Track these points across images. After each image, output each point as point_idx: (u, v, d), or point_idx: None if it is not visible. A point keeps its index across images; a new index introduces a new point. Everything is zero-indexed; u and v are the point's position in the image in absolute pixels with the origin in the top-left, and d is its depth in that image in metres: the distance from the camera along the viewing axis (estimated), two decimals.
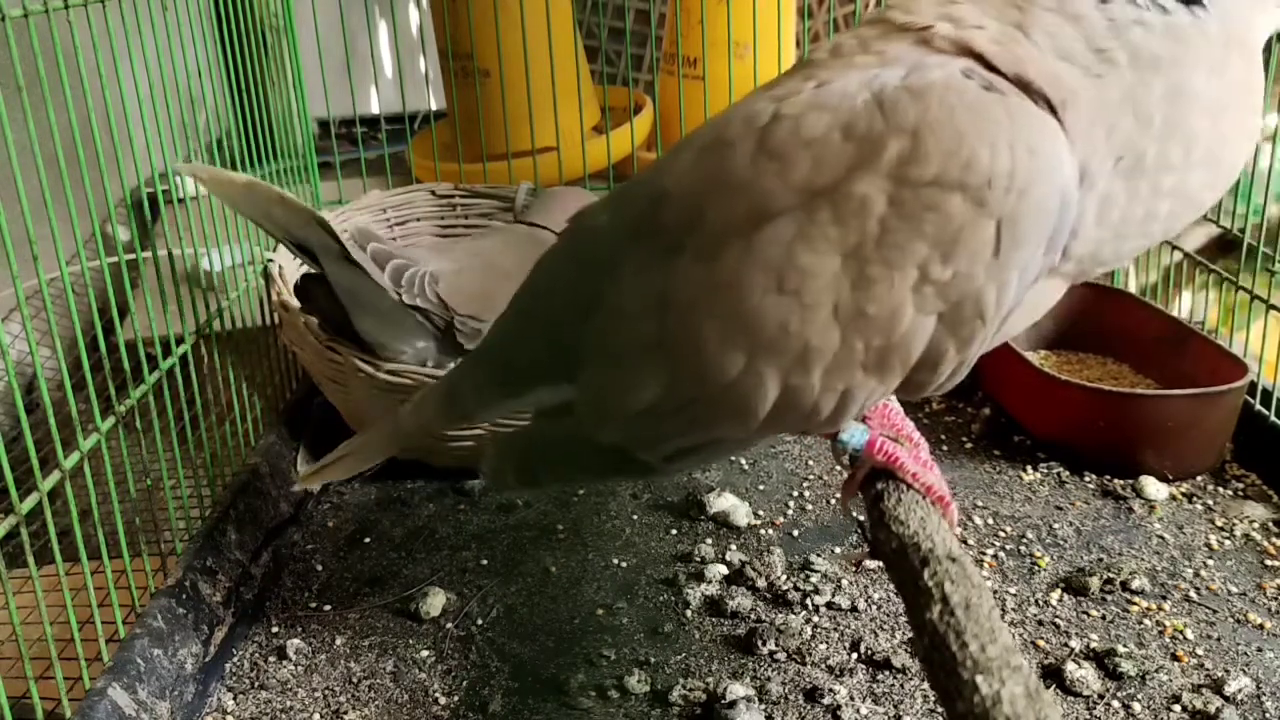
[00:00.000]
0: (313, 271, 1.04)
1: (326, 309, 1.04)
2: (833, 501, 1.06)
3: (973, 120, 0.52)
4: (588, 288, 0.63)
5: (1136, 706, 0.78)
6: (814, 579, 0.92)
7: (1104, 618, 0.87)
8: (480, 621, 0.90)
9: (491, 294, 1.05)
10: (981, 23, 0.56)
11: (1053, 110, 0.54)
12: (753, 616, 0.89)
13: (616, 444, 0.63)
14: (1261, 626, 0.86)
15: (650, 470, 0.65)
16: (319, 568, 0.99)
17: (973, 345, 0.56)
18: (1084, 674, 0.79)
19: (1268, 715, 0.77)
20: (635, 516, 1.05)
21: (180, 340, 0.95)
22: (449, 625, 0.90)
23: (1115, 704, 0.78)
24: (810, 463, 1.14)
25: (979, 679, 0.47)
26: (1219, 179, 0.57)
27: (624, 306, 0.61)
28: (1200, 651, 0.83)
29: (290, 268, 1.17)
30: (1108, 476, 1.08)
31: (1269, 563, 0.94)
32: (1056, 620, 0.87)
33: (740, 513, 1.02)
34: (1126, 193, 0.55)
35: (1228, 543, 0.97)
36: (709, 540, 0.99)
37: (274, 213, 0.96)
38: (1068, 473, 1.09)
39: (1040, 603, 0.90)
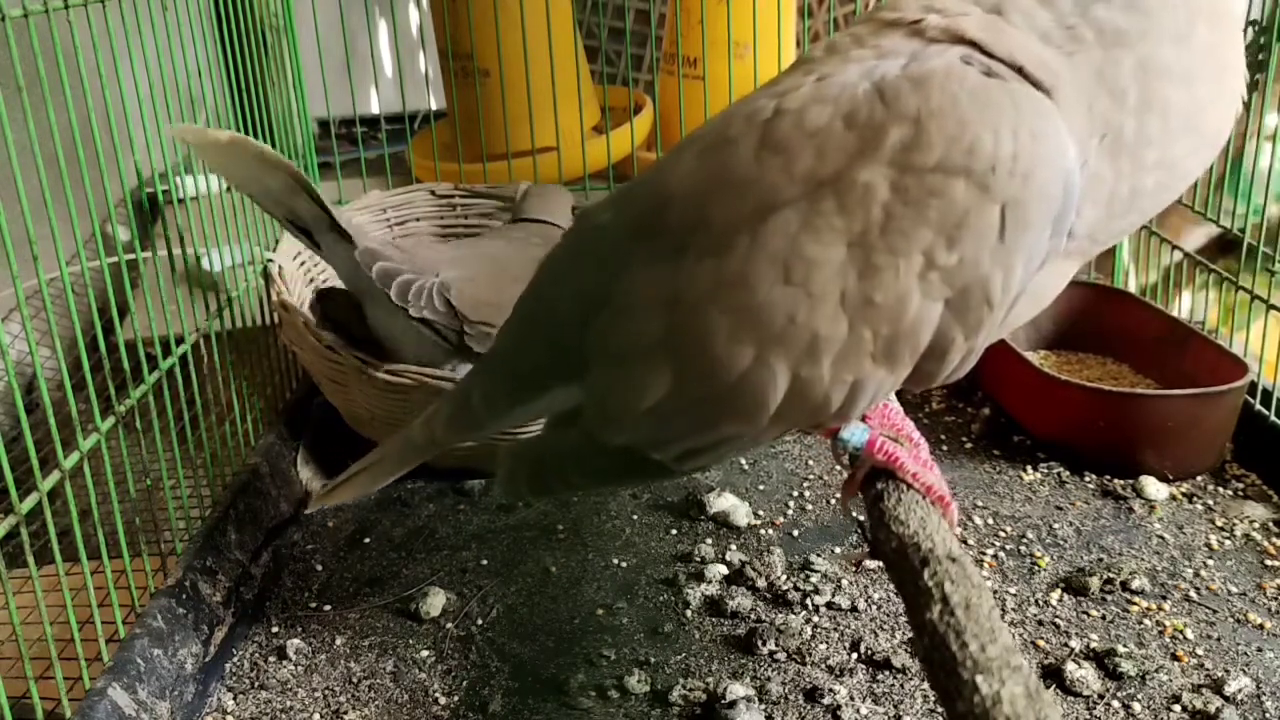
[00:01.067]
0: (328, 287, 1.04)
1: (344, 319, 1.04)
2: (833, 501, 1.06)
3: (975, 106, 0.53)
4: (592, 289, 0.63)
5: (1136, 706, 0.78)
6: (814, 579, 0.92)
7: (1104, 618, 0.87)
8: (480, 621, 0.90)
9: (503, 301, 1.05)
10: (966, 10, 0.57)
11: (1045, 94, 0.54)
12: (753, 616, 0.88)
13: (626, 446, 0.63)
14: (1261, 626, 0.86)
15: (663, 472, 0.64)
16: (319, 568, 0.99)
17: (980, 332, 0.56)
18: (1084, 674, 0.79)
19: (1268, 715, 0.77)
20: (635, 516, 1.04)
21: (180, 340, 0.95)
22: (449, 625, 0.90)
23: (1115, 704, 0.78)
24: (810, 463, 1.14)
25: (979, 679, 0.47)
26: (1203, 146, 0.58)
27: (629, 306, 0.61)
28: (1200, 651, 0.83)
29: (290, 267, 1.17)
30: (1108, 476, 1.08)
31: (1269, 563, 0.94)
32: (1056, 620, 0.87)
33: (740, 513, 1.02)
34: (1112, 170, 0.55)
35: (1228, 543, 0.97)
36: (709, 540, 0.99)
37: (263, 178, 0.94)
38: (1068, 473, 1.09)
39: (1040, 603, 0.90)
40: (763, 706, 0.78)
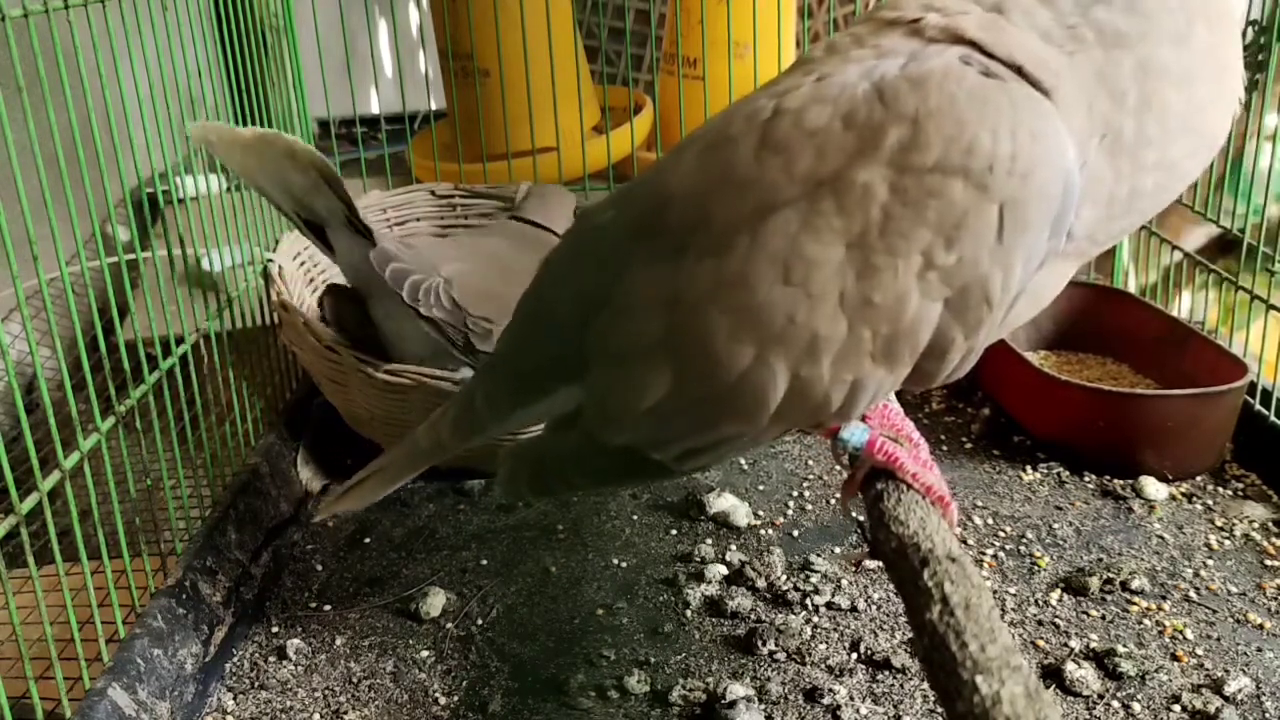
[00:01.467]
0: (337, 284, 1.03)
1: (347, 316, 1.04)
2: (833, 501, 1.06)
3: (973, 106, 0.53)
4: (592, 289, 0.63)
5: (1136, 706, 0.78)
6: (814, 579, 0.92)
7: (1104, 618, 0.87)
8: (480, 621, 0.90)
9: (501, 295, 1.05)
10: (966, 9, 0.57)
11: (1044, 94, 0.54)
12: (753, 616, 0.89)
13: (626, 446, 0.63)
14: (1261, 626, 0.86)
15: (663, 472, 0.64)
16: (319, 568, 0.99)
17: (980, 332, 0.56)
18: (1084, 674, 0.79)
19: (1268, 715, 0.77)
20: (635, 516, 1.04)
21: (180, 340, 0.95)
22: (449, 625, 0.90)
23: (1115, 704, 0.78)
24: (810, 463, 1.14)
25: (979, 679, 0.47)
26: (1201, 148, 0.58)
27: (629, 306, 0.61)
28: (1200, 651, 0.83)
29: (290, 267, 1.17)
30: (1108, 476, 1.08)
31: (1269, 563, 0.94)
32: (1056, 620, 0.87)
33: (740, 513, 1.02)
34: (1111, 171, 0.56)
35: (1228, 543, 0.97)
36: (709, 540, 0.99)
37: (286, 175, 0.93)
38: (1068, 473, 1.09)
39: (1040, 603, 0.90)
40: (763, 706, 0.78)
